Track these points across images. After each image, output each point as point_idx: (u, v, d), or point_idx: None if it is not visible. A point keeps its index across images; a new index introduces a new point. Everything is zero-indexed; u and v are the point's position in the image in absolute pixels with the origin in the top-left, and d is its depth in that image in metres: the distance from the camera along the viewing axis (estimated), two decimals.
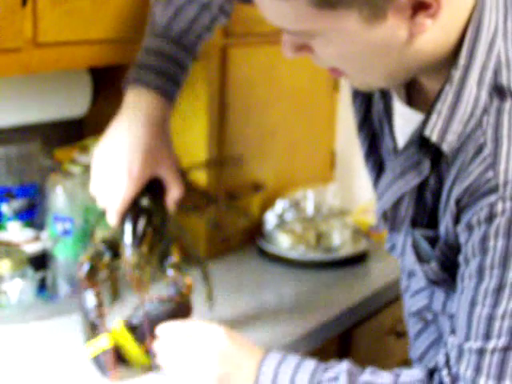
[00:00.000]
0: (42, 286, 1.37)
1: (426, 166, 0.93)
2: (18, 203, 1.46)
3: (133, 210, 1.12)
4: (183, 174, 1.19)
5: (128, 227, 1.11)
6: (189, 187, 1.19)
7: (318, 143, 1.96)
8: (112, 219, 1.13)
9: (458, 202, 0.90)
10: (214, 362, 1.02)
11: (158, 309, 1.11)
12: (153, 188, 1.13)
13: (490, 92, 0.88)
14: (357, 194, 2.11)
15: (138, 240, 1.11)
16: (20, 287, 1.31)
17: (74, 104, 1.56)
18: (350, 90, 1.10)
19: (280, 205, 1.77)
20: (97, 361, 1.11)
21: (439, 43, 0.88)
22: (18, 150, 1.47)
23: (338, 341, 1.49)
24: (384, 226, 1.04)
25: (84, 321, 1.12)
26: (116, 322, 1.12)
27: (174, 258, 1.16)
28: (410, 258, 1.02)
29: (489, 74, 0.88)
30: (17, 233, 1.40)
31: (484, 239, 0.87)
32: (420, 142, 0.92)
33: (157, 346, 1.08)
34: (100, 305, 1.11)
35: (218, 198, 1.26)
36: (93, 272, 1.13)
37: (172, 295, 1.13)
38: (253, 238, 1.76)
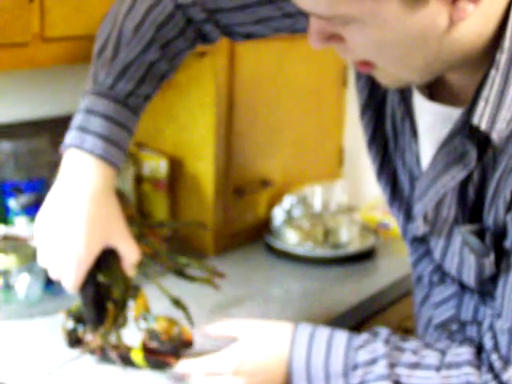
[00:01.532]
0: (49, 281, 1.37)
1: (473, 157, 0.89)
2: (25, 198, 1.46)
3: (91, 286, 1.05)
4: (137, 237, 1.12)
5: (87, 311, 1.07)
6: (143, 238, 1.15)
7: (326, 139, 1.95)
8: (69, 290, 1.06)
9: None
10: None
11: (158, 349, 1.11)
12: (106, 257, 1.06)
13: None
14: (365, 191, 2.10)
15: (99, 322, 1.07)
16: (27, 282, 1.31)
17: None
18: (358, 106, 1.06)
19: (288, 201, 1.77)
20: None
21: (478, 32, 0.84)
22: (26, 145, 1.48)
23: None
24: (422, 230, 1.00)
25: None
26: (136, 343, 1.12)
27: (140, 313, 1.12)
28: (456, 259, 0.97)
29: None
30: (24, 228, 1.40)
31: None
32: (467, 131, 0.88)
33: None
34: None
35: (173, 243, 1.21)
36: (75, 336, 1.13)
37: (159, 348, 1.10)
38: (260, 233, 1.76)
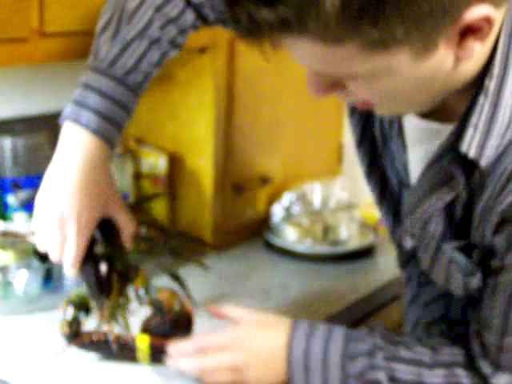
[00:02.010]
0: (47, 277, 1.37)
1: (460, 181, 0.89)
2: (24, 194, 1.45)
3: (91, 261, 1.07)
4: (133, 208, 1.16)
5: (92, 282, 1.07)
6: (141, 220, 1.16)
7: (325, 136, 1.95)
8: (69, 272, 1.07)
9: (502, 214, 0.87)
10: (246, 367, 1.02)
11: (161, 327, 1.11)
12: (105, 229, 1.08)
13: None
14: (364, 188, 2.08)
15: (105, 293, 1.08)
16: (26, 278, 1.30)
17: None
18: (347, 108, 1.06)
19: (287, 198, 1.77)
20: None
21: (479, 63, 0.84)
22: (24, 140, 1.47)
23: None
24: (409, 245, 1.00)
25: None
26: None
27: (141, 287, 1.13)
28: (442, 274, 0.98)
29: None
30: (23, 224, 1.40)
31: None
32: (454, 155, 0.88)
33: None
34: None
35: (169, 228, 1.23)
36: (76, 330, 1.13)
37: (163, 318, 1.11)
38: (259, 230, 1.76)
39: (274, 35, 0.75)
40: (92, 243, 1.06)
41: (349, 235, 1.72)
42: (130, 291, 1.12)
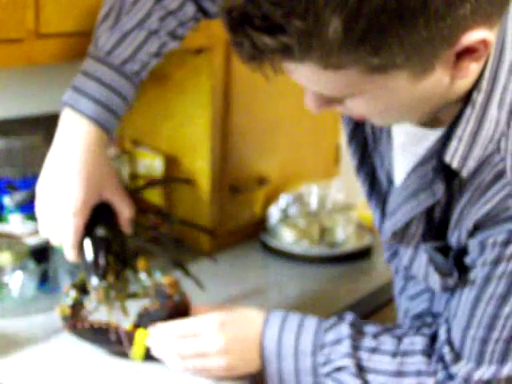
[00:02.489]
0: (43, 279, 1.37)
1: (441, 188, 0.92)
2: (20, 195, 1.44)
3: (89, 242, 1.09)
4: (132, 194, 1.16)
5: (89, 263, 1.09)
6: (140, 207, 1.17)
7: (322, 137, 1.94)
8: (69, 255, 1.09)
9: (476, 222, 0.91)
10: (220, 354, 1.06)
11: (158, 314, 1.11)
12: (104, 213, 1.10)
13: (508, 115, 0.86)
14: (361, 189, 2.09)
15: (102, 273, 1.08)
16: (21, 280, 1.30)
17: None
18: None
19: (284, 199, 1.76)
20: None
21: (474, 78, 0.86)
22: (20, 141, 1.46)
23: None
24: (391, 243, 1.05)
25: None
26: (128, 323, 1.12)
27: (142, 271, 1.13)
28: (422, 270, 1.02)
29: (509, 95, 0.86)
30: (19, 225, 1.39)
31: (497, 260, 0.90)
32: (437, 164, 0.91)
33: (155, 343, 1.09)
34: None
35: (171, 215, 1.24)
36: (76, 311, 1.13)
37: (162, 303, 1.11)
38: (256, 232, 1.76)
39: (275, 61, 0.76)
40: (90, 226, 1.08)
41: (346, 237, 1.71)
42: (131, 275, 1.12)
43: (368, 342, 1.03)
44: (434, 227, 0.98)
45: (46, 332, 1.23)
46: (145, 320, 1.11)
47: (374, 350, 1.02)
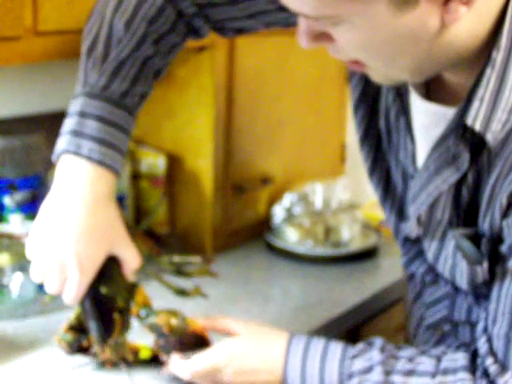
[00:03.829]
0: None
1: (465, 159, 0.87)
2: (20, 195, 1.44)
3: (94, 303, 1.03)
4: (135, 233, 1.10)
5: (93, 324, 1.04)
6: (140, 238, 1.13)
7: (328, 136, 1.93)
8: (69, 304, 1.03)
9: (509, 198, 0.85)
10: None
11: (168, 347, 1.07)
12: (107, 265, 1.03)
13: None
14: (367, 188, 2.07)
15: (108, 334, 1.04)
16: (21, 281, 1.29)
17: None
18: (352, 104, 1.05)
19: (288, 198, 1.75)
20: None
21: (473, 34, 0.82)
22: (21, 141, 1.46)
23: (346, 338, 1.46)
24: (415, 232, 0.98)
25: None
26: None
27: (141, 308, 1.09)
28: (448, 263, 0.96)
29: None
30: (19, 225, 1.38)
31: None
32: (460, 132, 0.86)
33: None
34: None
35: (170, 241, 1.20)
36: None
37: (167, 340, 1.07)
38: (260, 232, 1.74)
39: None
40: (94, 281, 1.02)
41: (351, 236, 1.70)
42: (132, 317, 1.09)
43: (402, 365, 0.94)
44: (462, 212, 0.92)
45: (46, 334, 1.22)
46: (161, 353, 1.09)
47: (409, 373, 0.93)
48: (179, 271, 1.19)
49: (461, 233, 0.92)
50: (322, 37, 0.83)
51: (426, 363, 0.94)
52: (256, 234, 1.74)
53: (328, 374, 0.96)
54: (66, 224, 0.98)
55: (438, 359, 0.94)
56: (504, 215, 0.86)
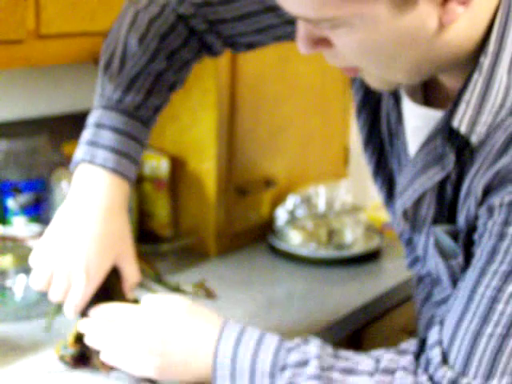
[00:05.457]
0: None
1: (451, 160, 0.89)
2: (24, 198, 1.44)
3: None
4: (140, 256, 1.13)
5: None
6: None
7: (331, 138, 1.93)
8: (70, 314, 1.04)
9: (485, 186, 0.86)
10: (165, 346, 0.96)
11: None
12: (109, 277, 1.04)
13: None
14: (370, 191, 2.07)
15: None
16: (25, 283, 1.29)
17: (81, 97, 1.55)
18: (354, 108, 1.06)
19: (291, 201, 1.75)
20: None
21: (468, 35, 0.83)
22: (25, 143, 1.46)
23: (349, 340, 1.47)
24: (403, 227, 0.99)
25: None
26: None
27: None
28: (433, 259, 0.97)
29: None
30: (22, 228, 1.39)
31: (504, 223, 0.84)
32: (446, 133, 0.88)
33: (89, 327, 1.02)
34: None
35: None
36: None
37: None
38: (263, 234, 1.74)
39: None
40: (96, 293, 1.03)
41: (354, 239, 1.70)
42: None
43: (341, 362, 0.91)
44: (445, 208, 0.93)
45: (49, 336, 1.22)
46: None
47: (348, 371, 0.90)
48: (177, 289, 1.23)
49: (441, 229, 0.94)
50: (321, 42, 0.84)
51: (364, 363, 0.91)
52: (259, 237, 1.74)
53: (260, 364, 0.91)
54: (78, 230, 1.01)
55: (377, 360, 0.91)
56: (479, 205, 0.88)
